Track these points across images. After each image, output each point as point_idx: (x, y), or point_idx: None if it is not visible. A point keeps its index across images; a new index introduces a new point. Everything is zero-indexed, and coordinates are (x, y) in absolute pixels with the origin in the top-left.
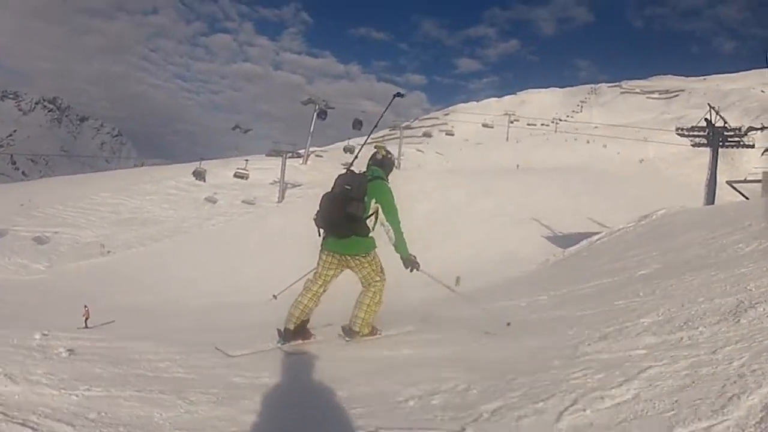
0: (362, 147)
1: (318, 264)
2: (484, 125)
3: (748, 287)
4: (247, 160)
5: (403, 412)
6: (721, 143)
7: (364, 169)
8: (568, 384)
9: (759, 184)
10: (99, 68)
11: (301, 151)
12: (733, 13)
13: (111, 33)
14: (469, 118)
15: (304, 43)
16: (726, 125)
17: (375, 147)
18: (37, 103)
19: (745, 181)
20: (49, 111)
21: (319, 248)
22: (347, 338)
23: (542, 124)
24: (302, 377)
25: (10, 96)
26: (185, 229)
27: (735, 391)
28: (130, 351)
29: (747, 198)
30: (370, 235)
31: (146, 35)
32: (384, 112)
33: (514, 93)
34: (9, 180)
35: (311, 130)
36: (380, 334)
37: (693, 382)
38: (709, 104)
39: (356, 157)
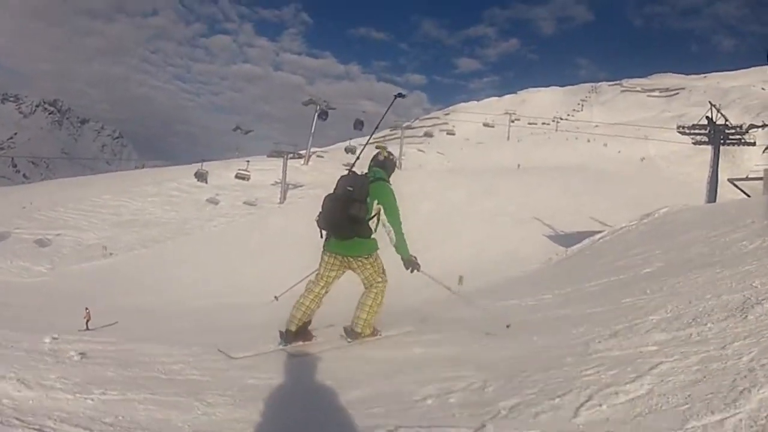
0: (364, 148)
1: (320, 265)
2: (485, 125)
3: (754, 284)
4: (248, 161)
5: (421, 410)
6: (722, 141)
7: (366, 170)
8: (582, 380)
9: (760, 182)
10: (99, 70)
11: (303, 152)
12: (733, 11)
13: (111, 35)
14: (470, 117)
15: (304, 44)
16: (727, 123)
17: (376, 147)
18: (37, 106)
19: (747, 178)
20: (49, 113)
21: (321, 249)
22: (349, 339)
23: (543, 123)
24: (317, 379)
25: (11, 99)
26: (187, 231)
27: (746, 385)
28: (140, 354)
29: (748, 195)
30: (373, 236)
31: (146, 37)
32: (386, 113)
33: (514, 92)
34: (10, 182)
35: (312, 131)
36: (380, 335)
37: (704, 377)
38: (710, 102)
39: (358, 158)
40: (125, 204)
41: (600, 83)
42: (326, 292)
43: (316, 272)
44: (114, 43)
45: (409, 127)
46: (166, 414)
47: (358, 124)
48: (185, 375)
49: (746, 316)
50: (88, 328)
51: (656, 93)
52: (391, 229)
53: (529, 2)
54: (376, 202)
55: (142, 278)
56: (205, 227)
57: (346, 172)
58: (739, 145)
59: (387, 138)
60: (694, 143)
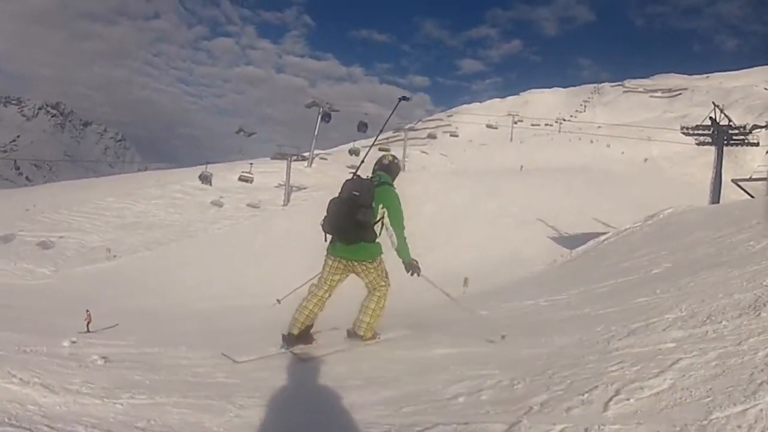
0: (369, 150)
1: (323, 269)
2: (488, 126)
3: (764, 283)
4: (251, 164)
5: (454, 408)
6: (725, 142)
7: (371, 174)
8: (607, 376)
9: (764, 183)
10: (101, 73)
11: (306, 154)
12: (735, 10)
13: (113, 38)
14: (473, 119)
15: (307, 46)
16: (731, 123)
17: (379, 149)
18: (40, 109)
19: (751, 179)
20: (52, 116)
21: (325, 253)
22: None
23: (546, 125)
24: (346, 379)
25: (13, 102)
26: (191, 233)
27: (764, 378)
28: (163, 357)
29: (752, 196)
30: (377, 240)
31: (148, 40)
32: (390, 116)
33: (517, 93)
34: (13, 185)
35: (316, 133)
36: (380, 338)
37: (723, 372)
38: (713, 102)
39: (363, 161)
40: (129, 206)
41: (602, 84)
42: (329, 296)
43: (319, 276)
44: (116, 46)
45: (412, 129)
46: (199, 417)
47: (362, 126)
48: (213, 378)
49: (759, 313)
50: (88, 330)
51: (659, 93)
52: (393, 232)
53: (532, 3)
54: (381, 206)
55: (145, 281)
56: (208, 230)
57: (351, 176)
58: (742, 146)
59: (390, 140)
60: (697, 144)
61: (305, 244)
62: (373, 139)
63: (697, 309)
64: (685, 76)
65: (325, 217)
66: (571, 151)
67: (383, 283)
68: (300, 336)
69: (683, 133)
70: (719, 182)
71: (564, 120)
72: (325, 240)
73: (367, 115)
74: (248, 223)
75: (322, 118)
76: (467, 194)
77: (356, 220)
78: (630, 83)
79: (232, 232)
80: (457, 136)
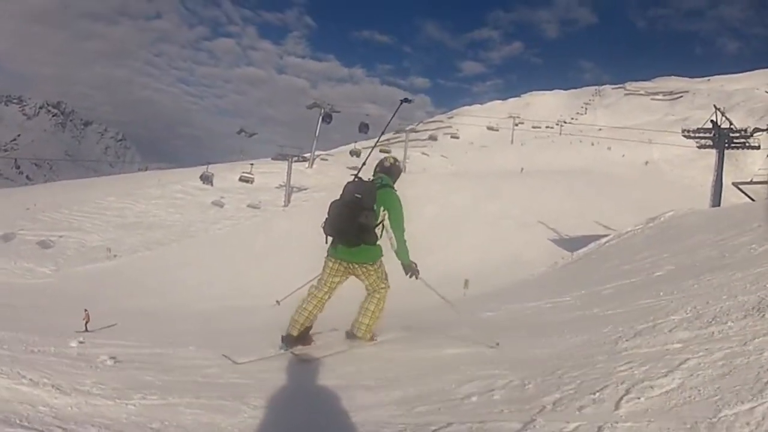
0: (371, 153)
1: (323, 271)
2: (489, 128)
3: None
4: (252, 164)
5: (468, 407)
6: (727, 145)
7: (371, 176)
8: (616, 376)
9: (764, 186)
10: (103, 73)
11: (307, 155)
12: (736, 13)
13: (114, 38)
14: (474, 121)
15: (308, 47)
16: (732, 126)
17: (381, 151)
18: (41, 108)
19: (752, 182)
20: (53, 115)
21: (326, 255)
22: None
23: (547, 127)
24: (357, 380)
25: (14, 100)
26: (192, 233)
27: None
28: (173, 357)
29: (753, 200)
30: (378, 242)
31: (149, 40)
32: (392, 118)
33: (518, 95)
34: (13, 184)
35: (317, 134)
36: (377, 339)
37: (730, 371)
38: (714, 106)
39: (364, 163)
40: (129, 206)
41: (603, 86)
42: (329, 298)
43: (319, 278)
44: (117, 46)
45: (413, 131)
46: (212, 418)
47: (363, 128)
48: (225, 378)
49: (764, 315)
50: (87, 330)
51: (660, 96)
52: (393, 234)
53: (533, 5)
54: (382, 208)
55: (145, 280)
56: (209, 230)
57: (352, 178)
58: (743, 149)
59: (391, 141)
60: (698, 147)
61: (306, 245)
62: (375, 140)
63: (702, 310)
64: (687, 78)
65: (327, 219)
66: (572, 154)
67: (383, 286)
68: (299, 337)
69: (684, 136)
70: (720, 185)
71: (565, 122)
72: (326, 242)
73: (368, 116)
74: (249, 224)
75: (323, 119)
76: (468, 196)
77: (358, 223)
78: (631, 86)
79: (232, 232)
80: (457, 137)
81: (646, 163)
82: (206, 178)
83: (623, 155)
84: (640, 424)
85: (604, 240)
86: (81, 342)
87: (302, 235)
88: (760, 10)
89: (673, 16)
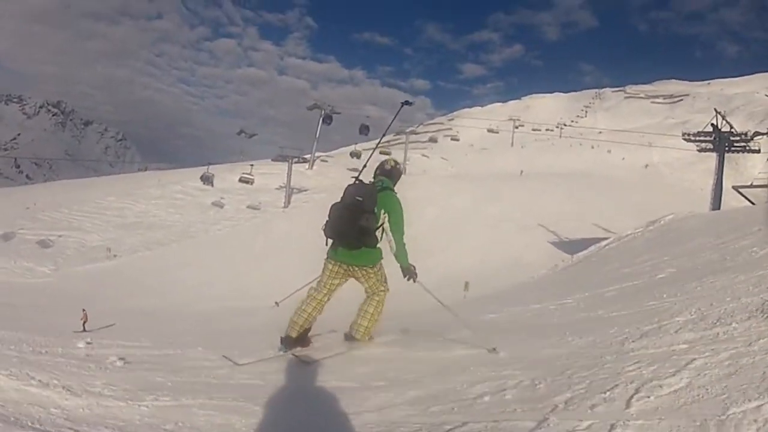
0: (372, 155)
1: (323, 273)
2: (489, 131)
3: None
4: (252, 165)
5: (481, 407)
6: (727, 148)
7: (372, 179)
8: (625, 376)
9: (764, 189)
10: (103, 72)
11: (307, 156)
12: (737, 17)
13: (115, 38)
14: (474, 123)
15: (309, 48)
16: (732, 130)
17: (381, 153)
18: (41, 107)
19: (752, 186)
20: (53, 115)
21: (325, 257)
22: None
23: (547, 130)
24: (370, 381)
25: (15, 100)
26: (192, 234)
27: None
28: (182, 358)
29: (753, 203)
30: (378, 245)
31: (151, 40)
32: (392, 120)
33: (518, 98)
34: (13, 183)
35: (317, 135)
36: (373, 340)
37: (736, 371)
38: (715, 109)
39: (365, 166)
40: (129, 206)
41: (604, 89)
42: (328, 300)
43: (319, 279)
44: (118, 45)
45: (413, 133)
46: (227, 418)
47: (364, 129)
48: (236, 379)
49: (767, 316)
50: (85, 330)
51: (660, 99)
52: (392, 237)
53: (534, 7)
54: (382, 211)
55: (145, 281)
56: (209, 230)
57: (353, 181)
58: (743, 153)
59: (391, 143)
60: (699, 150)
61: (305, 246)
62: (376, 142)
63: (707, 312)
64: (687, 82)
65: (327, 221)
66: (572, 157)
67: (382, 288)
68: (298, 339)
69: (685, 140)
70: (720, 189)
71: (565, 125)
72: (326, 244)
73: (368, 117)
74: (249, 225)
75: (323, 120)
76: (468, 198)
77: (359, 226)
78: (631, 89)
79: (232, 233)
80: (458, 140)
81: (646, 166)
82: (206, 179)
83: (623, 158)
84: (651, 421)
85: (604, 243)
86: (89, 343)
87: (302, 237)
88: (761, 14)
89: (673, 20)
